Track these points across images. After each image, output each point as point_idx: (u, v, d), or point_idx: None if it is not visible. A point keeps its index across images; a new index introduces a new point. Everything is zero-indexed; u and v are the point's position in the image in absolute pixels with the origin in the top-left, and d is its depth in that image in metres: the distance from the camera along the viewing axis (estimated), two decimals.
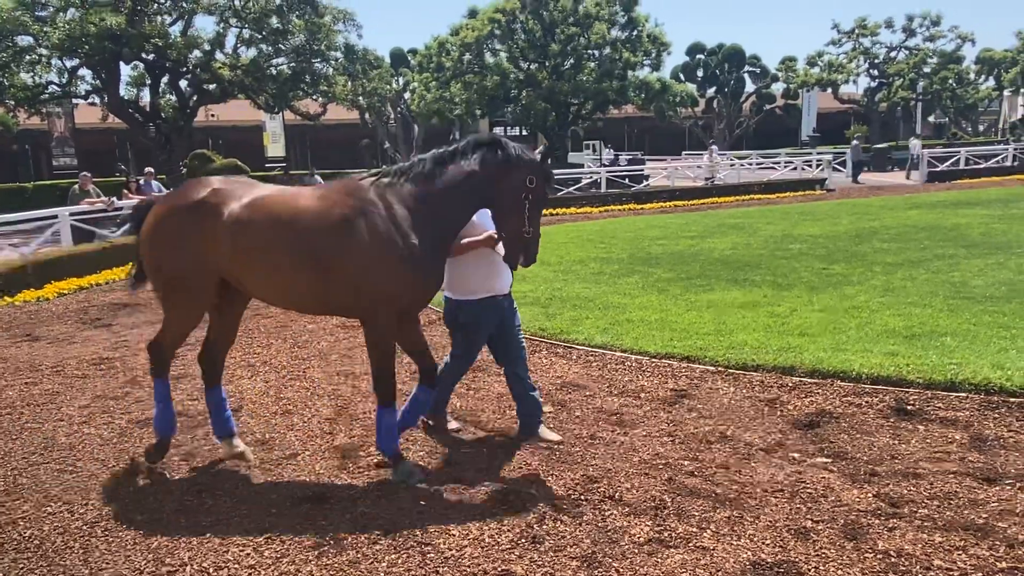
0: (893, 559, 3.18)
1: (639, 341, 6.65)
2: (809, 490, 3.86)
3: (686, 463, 4.26)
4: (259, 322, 8.14)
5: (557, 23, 31.97)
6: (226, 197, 4.07)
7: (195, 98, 27.28)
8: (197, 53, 25.41)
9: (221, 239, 3.99)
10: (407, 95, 44.25)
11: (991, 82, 48.83)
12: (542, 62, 32.50)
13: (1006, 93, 50.52)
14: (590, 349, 6.61)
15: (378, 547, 3.42)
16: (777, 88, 52.22)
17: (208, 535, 3.58)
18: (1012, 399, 4.94)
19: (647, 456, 4.36)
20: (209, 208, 4.03)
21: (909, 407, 4.91)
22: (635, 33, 33.12)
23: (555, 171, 26.20)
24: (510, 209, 4.01)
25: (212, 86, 26.56)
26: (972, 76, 47.70)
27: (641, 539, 3.42)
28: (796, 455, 4.33)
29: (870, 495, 3.78)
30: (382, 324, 4.01)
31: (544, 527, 3.57)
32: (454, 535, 3.50)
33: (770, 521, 3.55)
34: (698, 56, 53.11)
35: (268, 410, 5.35)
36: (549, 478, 4.10)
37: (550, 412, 5.10)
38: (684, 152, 37.01)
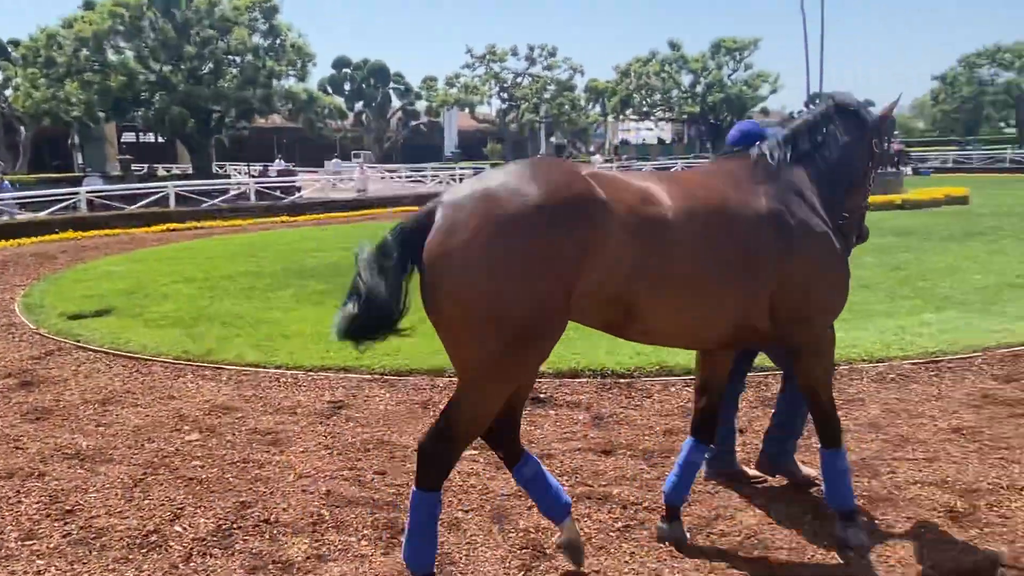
0: (532, 535, 3.50)
1: (294, 356, 6.50)
2: (459, 483, 4.08)
3: (344, 473, 4.25)
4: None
5: (192, 24, 29.99)
6: (610, 187, 2.76)
7: None
8: None
9: (615, 253, 2.70)
10: (8, 92, 38.19)
11: (598, 108, 56.41)
12: (176, 64, 30.23)
13: (610, 119, 58.87)
14: (242, 368, 6.30)
15: None
16: (421, 105, 54.83)
17: None
18: (622, 380, 5.74)
19: (304, 472, 4.27)
20: (598, 207, 2.67)
21: (542, 395, 5.45)
22: (278, 42, 32.38)
23: (200, 182, 24.67)
24: (861, 181, 3.43)
25: None
26: (583, 103, 54.64)
27: (299, 557, 3.34)
28: None
29: (511, 478, 4.10)
30: (828, 349, 3.24)
31: (191, 565, 3.31)
32: None
33: None
34: (344, 70, 53.64)
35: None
36: (198, 511, 3.82)
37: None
38: (334, 160, 36.95)
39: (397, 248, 2.60)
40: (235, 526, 3.65)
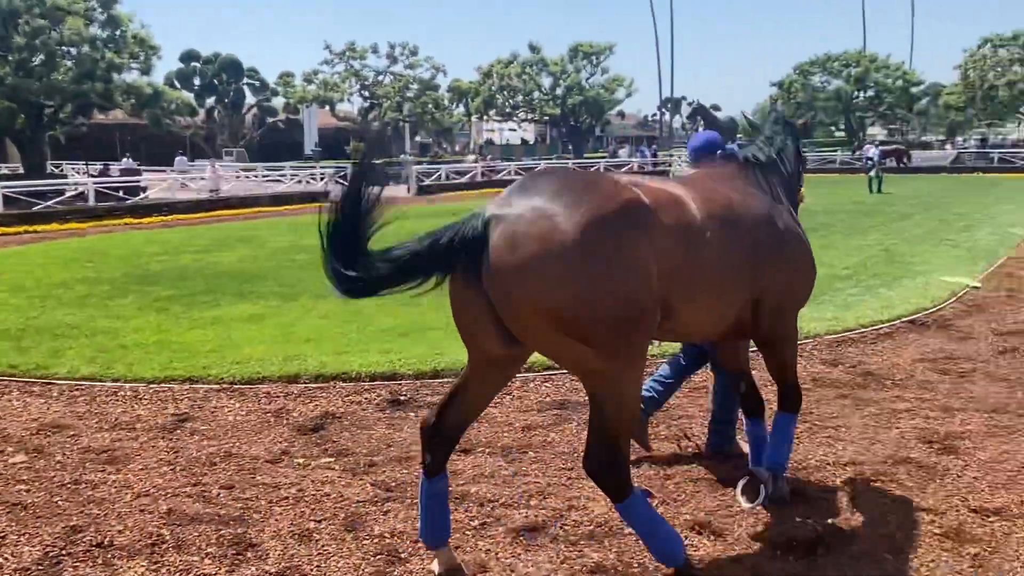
0: (387, 540, 3.45)
1: (134, 367, 6.10)
2: (313, 492, 3.96)
3: (188, 490, 4.03)
4: None
5: (20, 12, 27.59)
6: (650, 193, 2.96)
7: None
8: None
9: (660, 254, 2.82)
10: None
11: (462, 108, 56.56)
12: (3, 56, 27.73)
13: (474, 119, 59.17)
14: (75, 383, 5.84)
15: None
16: (278, 102, 52.99)
17: None
18: None
19: (143, 491, 4.01)
20: (646, 212, 2.83)
21: (402, 398, 5.39)
22: (118, 32, 30.34)
23: (31, 183, 22.72)
24: (799, 181, 4.00)
25: None
26: (446, 102, 54.62)
27: None
28: (301, 460, 4.42)
29: (368, 485, 4.04)
30: (795, 334, 3.76)
31: None
32: None
33: (275, 531, 3.56)
34: (193, 64, 51.03)
35: None
36: (21, 539, 3.50)
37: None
38: (178, 159, 34.91)
39: (445, 255, 2.66)
40: (64, 552, 3.38)
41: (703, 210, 3.06)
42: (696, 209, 3.04)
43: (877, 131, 67.68)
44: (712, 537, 3.45)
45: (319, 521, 3.65)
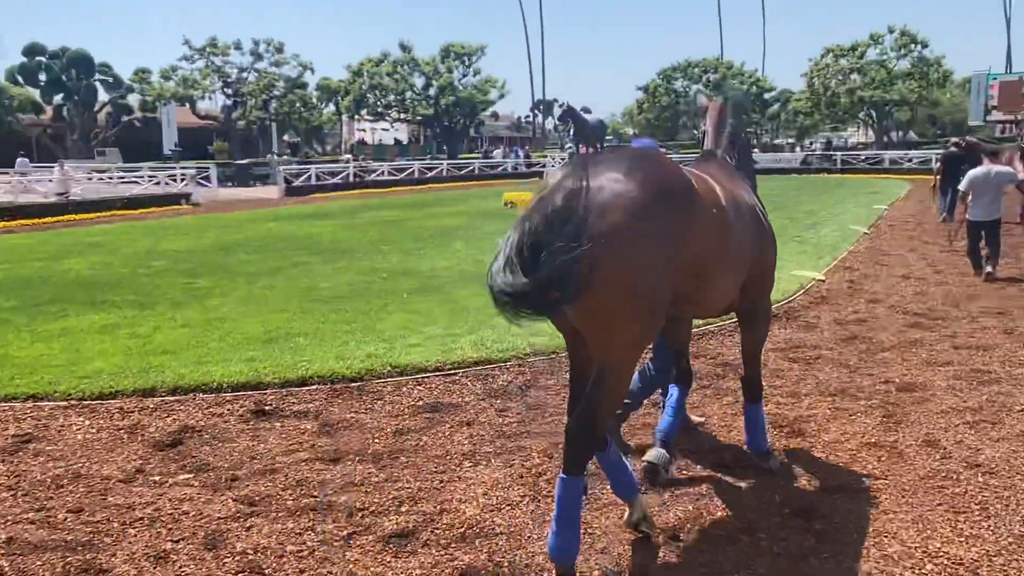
0: (250, 556, 3.32)
1: None
2: (170, 511, 3.76)
3: (30, 516, 3.73)
4: None
5: None
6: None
7: None
8: None
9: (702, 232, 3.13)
10: None
11: (332, 107, 55.29)
12: None
13: (344, 118, 57.95)
14: None
15: None
16: (134, 99, 50.01)
17: None
18: (353, 384, 5.65)
19: None
20: (693, 192, 3.12)
21: (267, 407, 5.20)
22: None
23: None
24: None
25: None
26: (315, 101, 53.24)
27: None
28: (157, 478, 4.18)
29: (230, 500, 3.87)
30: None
31: None
32: None
33: (128, 554, 3.35)
34: (38, 58, 47.41)
35: None
36: None
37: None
38: (18, 160, 32.25)
39: (550, 233, 2.67)
40: None
41: (725, 196, 3.42)
42: (720, 194, 3.39)
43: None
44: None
45: (176, 541, 3.46)
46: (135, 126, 49.91)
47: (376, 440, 4.67)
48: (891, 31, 50.41)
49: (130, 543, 3.46)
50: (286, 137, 54.36)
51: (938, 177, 15.96)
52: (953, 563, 3.23)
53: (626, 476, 3.41)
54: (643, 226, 2.80)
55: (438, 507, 3.76)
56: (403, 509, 3.75)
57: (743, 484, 4.01)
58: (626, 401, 4.37)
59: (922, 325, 7.23)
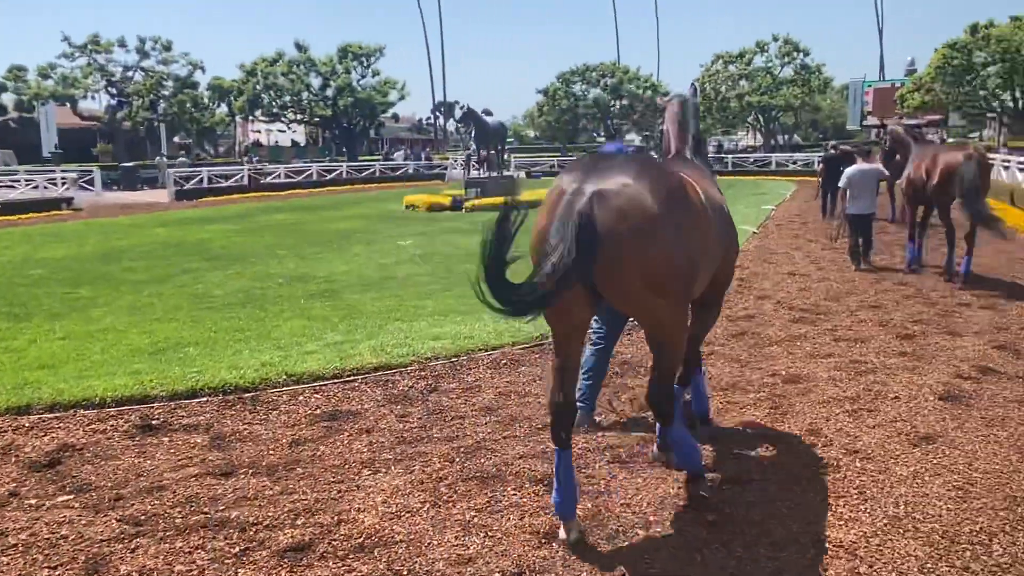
0: None
1: None
2: (47, 536, 3.54)
3: None
4: None
5: None
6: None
7: None
8: None
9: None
10: None
11: (224, 108, 53.44)
12: None
13: (238, 119, 56.08)
14: None
15: None
16: (8, 99, 46.89)
17: None
18: (246, 394, 5.47)
19: None
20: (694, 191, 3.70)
21: (154, 422, 4.97)
22: None
23: None
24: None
25: None
26: (206, 101, 51.32)
27: None
28: (33, 501, 3.93)
29: (114, 521, 3.67)
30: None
31: None
32: None
33: None
34: None
35: None
36: None
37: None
38: None
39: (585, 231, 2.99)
40: None
41: (704, 197, 3.74)
42: (703, 192, 3.75)
43: (633, 137, 73.19)
44: (481, 535, 3.52)
45: (54, 568, 3.26)
46: (9, 127, 46.82)
47: (271, 452, 4.53)
48: (775, 39, 52.95)
49: (2, 573, 3.23)
50: (176, 139, 52.20)
51: (820, 178, 17.75)
52: (835, 546, 3.40)
53: (690, 449, 3.88)
54: (669, 220, 3.20)
55: (335, 518, 3.68)
56: (299, 522, 3.65)
57: (640, 479, 4.10)
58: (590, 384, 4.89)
59: (806, 319, 7.60)
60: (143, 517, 3.71)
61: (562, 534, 3.47)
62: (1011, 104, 40.96)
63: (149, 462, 4.39)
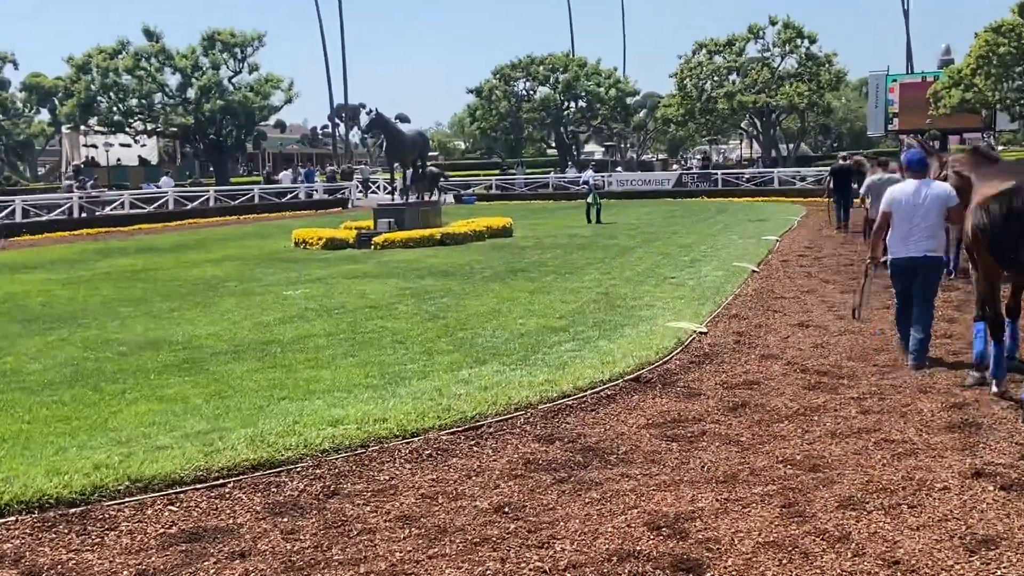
0: None
1: None
2: None
3: None
4: None
5: None
6: None
7: None
8: None
9: None
10: None
11: (46, 115, 52.81)
12: None
13: (65, 129, 55.25)
14: None
15: None
16: None
17: None
18: (72, 509, 5.28)
19: None
20: None
21: None
22: None
23: None
24: None
25: None
26: (20, 105, 50.71)
27: None
28: None
29: None
30: None
31: None
32: None
33: None
34: None
35: None
36: None
37: None
38: None
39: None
40: None
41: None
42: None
43: (593, 148, 74.65)
44: None
45: None
46: None
47: None
48: (773, 23, 54.78)
49: None
50: None
51: (830, 189, 19.86)
52: None
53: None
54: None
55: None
56: None
57: None
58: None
59: (824, 386, 7.74)
60: None
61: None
62: None
63: None
